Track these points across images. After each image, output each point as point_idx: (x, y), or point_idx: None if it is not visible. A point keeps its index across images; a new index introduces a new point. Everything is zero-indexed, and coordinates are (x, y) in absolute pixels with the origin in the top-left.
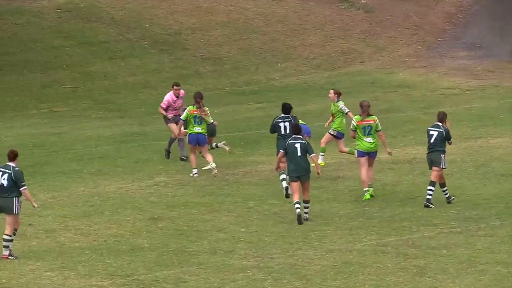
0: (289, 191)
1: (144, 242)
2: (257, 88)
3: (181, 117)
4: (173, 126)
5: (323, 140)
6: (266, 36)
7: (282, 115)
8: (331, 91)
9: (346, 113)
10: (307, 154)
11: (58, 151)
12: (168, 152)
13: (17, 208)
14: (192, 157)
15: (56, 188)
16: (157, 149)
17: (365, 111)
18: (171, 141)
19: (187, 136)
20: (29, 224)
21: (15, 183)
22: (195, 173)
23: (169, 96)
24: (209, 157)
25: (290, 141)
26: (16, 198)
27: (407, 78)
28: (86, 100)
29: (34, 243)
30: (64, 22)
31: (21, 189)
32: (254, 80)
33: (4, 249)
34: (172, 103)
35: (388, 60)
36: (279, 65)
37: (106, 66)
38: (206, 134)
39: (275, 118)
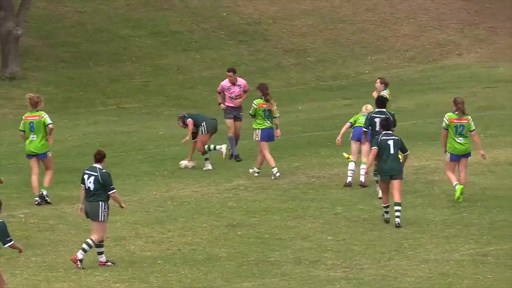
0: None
1: (221, 251)
2: (345, 83)
3: (249, 112)
4: (229, 122)
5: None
6: (355, 26)
7: (377, 109)
8: (378, 80)
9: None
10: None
11: (127, 152)
12: (232, 155)
13: (103, 215)
14: (268, 156)
15: (125, 192)
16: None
17: (460, 108)
18: (232, 141)
19: (259, 132)
20: None
21: (103, 186)
22: (277, 173)
23: (224, 81)
24: (270, 160)
25: (382, 138)
26: (103, 202)
27: (509, 72)
28: (157, 95)
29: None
30: (133, 10)
31: (109, 192)
32: (341, 74)
33: (99, 256)
34: (226, 90)
35: (487, 52)
36: (369, 57)
37: (180, 58)
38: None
39: (370, 113)
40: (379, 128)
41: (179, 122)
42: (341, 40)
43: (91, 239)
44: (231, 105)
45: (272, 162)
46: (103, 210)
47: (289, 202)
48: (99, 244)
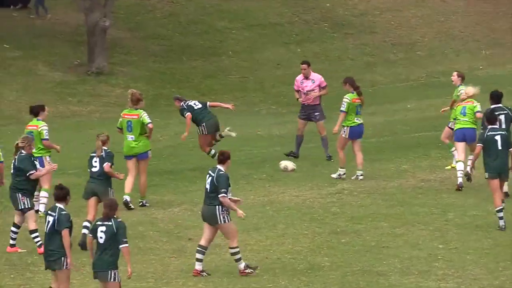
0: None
1: (324, 260)
2: None
3: (342, 109)
4: (300, 123)
5: (444, 135)
6: (468, 18)
7: (495, 106)
8: (454, 73)
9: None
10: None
11: None
12: (293, 154)
13: (223, 218)
14: (341, 154)
15: None
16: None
17: None
18: (298, 141)
19: (347, 129)
20: (189, 239)
21: (216, 188)
22: (343, 174)
23: (299, 76)
24: (359, 159)
25: (489, 133)
26: (219, 206)
27: None
28: (255, 92)
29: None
30: (230, 1)
31: (219, 195)
32: (453, 69)
33: (237, 263)
34: (300, 85)
35: None
36: (483, 52)
37: (279, 52)
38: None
39: (489, 109)
40: (499, 126)
41: (175, 102)
42: (453, 33)
43: (229, 247)
44: (304, 102)
45: (343, 161)
46: (221, 212)
47: (396, 207)
48: (233, 252)
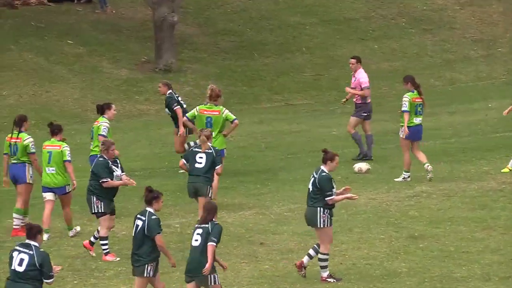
0: None
1: (401, 266)
2: None
3: (404, 108)
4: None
5: None
6: None
7: None
8: None
9: None
10: None
11: (296, 154)
12: (364, 155)
13: (323, 221)
14: (406, 156)
15: (294, 199)
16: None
17: None
18: (369, 141)
19: (405, 129)
20: (261, 243)
21: (320, 190)
22: (407, 177)
23: None
24: (422, 157)
25: None
26: (321, 208)
27: None
28: (330, 90)
29: (267, 266)
30: None
31: (326, 198)
32: None
33: (321, 270)
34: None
35: None
36: None
37: (355, 48)
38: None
39: None
40: None
41: (162, 86)
42: None
43: (320, 252)
44: (357, 101)
45: (408, 164)
46: (322, 215)
47: (477, 211)
48: (322, 258)
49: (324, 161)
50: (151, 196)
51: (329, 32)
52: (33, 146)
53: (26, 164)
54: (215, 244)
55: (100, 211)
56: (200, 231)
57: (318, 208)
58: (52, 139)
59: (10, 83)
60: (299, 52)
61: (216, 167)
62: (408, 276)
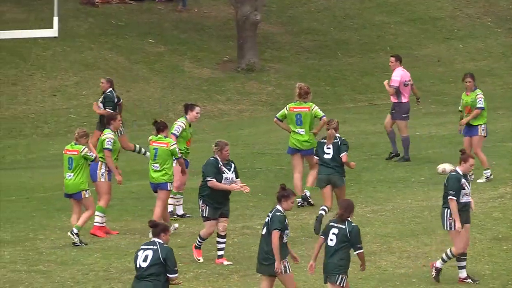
0: None
1: (485, 268)
2: None
3: (481, 105)
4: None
5: None
6: None
7: None
8: None
9: None
10: None
11: (379, 155)
12: (401, 158)
13: (449, 224)
14: (482, 155)
15: (377, 200)
16: (506, 152)
17: None
18: (405, 144)
19: (485, 126)
20: None
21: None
22: (489, 175)
23: None
24: (483, 157)
25: None
26: (447, 210)
27: None
28: None
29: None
30: None
31: (448, 198)
32: None
33: (459, 271)
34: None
35: None
36: None
37: (440, 48)
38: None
39: None
40: None
41: (105, 82)
42: None
43: (450, 250)
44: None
45: (486, 162)
46: (448, 218)
47: None
48: (459, 258)
49: (459, 162)
50: (281, 194)
51: (414, 31)
52: (109, 142)
53: (99, 162)
54: (362, 250)
55: (204, 215)
56: (336, 231)
57: (445, 209)
58: (159, 136)
59: (90, 83)
60: (383, 51)
61: (341, 155)
62: (492, 279)
